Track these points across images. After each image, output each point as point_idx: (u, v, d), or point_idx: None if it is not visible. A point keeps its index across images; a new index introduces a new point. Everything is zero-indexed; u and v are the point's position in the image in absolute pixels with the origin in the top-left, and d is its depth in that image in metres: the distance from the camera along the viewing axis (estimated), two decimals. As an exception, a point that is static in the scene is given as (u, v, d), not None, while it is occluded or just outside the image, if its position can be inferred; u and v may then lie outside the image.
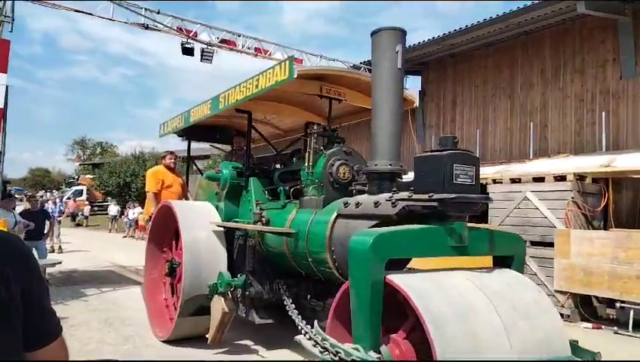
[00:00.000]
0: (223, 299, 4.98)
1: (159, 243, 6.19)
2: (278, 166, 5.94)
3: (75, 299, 8.10)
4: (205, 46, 16.68)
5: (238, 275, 5.20)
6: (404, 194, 3.71)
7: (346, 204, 4.13)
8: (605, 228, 8.25)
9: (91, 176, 41.08)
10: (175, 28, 15.62)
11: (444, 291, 3.02)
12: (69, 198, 32.83)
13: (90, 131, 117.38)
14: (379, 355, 2.90)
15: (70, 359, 1.41)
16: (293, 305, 4.64)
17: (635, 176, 8.44)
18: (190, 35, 16.25)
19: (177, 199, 6.81)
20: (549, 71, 11.88)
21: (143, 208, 26.82)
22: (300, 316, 4.43)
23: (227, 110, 5.52)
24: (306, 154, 4.64)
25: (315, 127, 4.66)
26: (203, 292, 5.12)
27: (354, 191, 4.55)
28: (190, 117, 6.18)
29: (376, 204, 3.80)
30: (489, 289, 3.12)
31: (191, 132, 6.95)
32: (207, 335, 5.18)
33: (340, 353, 2.96)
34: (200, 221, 5.42)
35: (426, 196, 3.41)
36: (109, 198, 36.62)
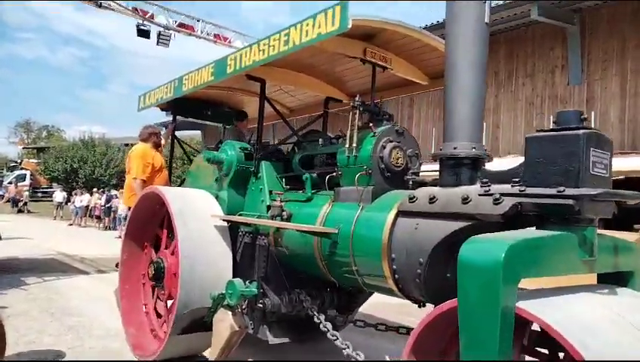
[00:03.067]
0: (230, 313, 3.93)
1: (139, 238, 5.05)
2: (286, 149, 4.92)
3: (14, 288, 7.75)
4: (162, 29, 15.89)
5: (246, 283, 4.15)
6: (503, 188, 2.79)
7: (412, 198, 3.16)
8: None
9: (36, 161, 38.53)
10: (130, 8, 14.73)
11: (597, 329, 2.14)
12: (10, 183, 30.45)
13: (36, 114, 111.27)
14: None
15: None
16: (329, 325, 3.64)
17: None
18: (146, 16, 15.50)
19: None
20: (502, 74, 12.52)
21: (90, 195, 25.09)
22: (340, 340, 3.45)
23: (234, 77, 4.43)
24: (348, 134, 3.64)
25: (358, 98, 3.66)
26: (204, 305, 4.05)
27: (410, 181, 3.60)
28: (182, 86, 5.04)
29: (466, 199, 2.86)
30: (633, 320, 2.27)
31: (177, 106, 5.79)
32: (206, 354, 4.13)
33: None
34: (199, 214, 4.32)
35: (552, 191, 2.50)
36: (54, 184, 34.48)
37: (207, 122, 6.38)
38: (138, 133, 6.21)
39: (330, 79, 4.94)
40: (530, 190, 2.63)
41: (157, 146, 6.06)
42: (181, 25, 16.79)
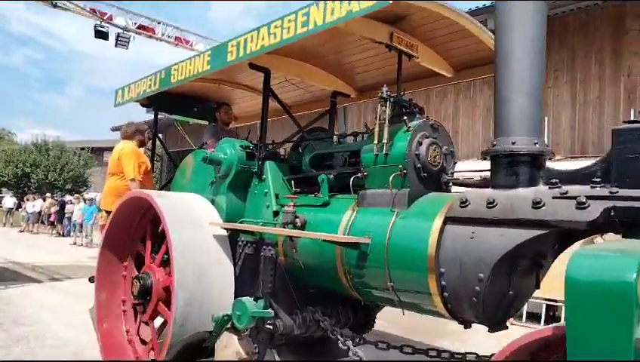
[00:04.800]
0: (236, 337, 3.37)
1: (119, 249, 4.41)
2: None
3: (-41, 298, 7.37)
4: (121, 31, 15.28)
5: (252, 300, 3.61)
6: (580, 190, 2.38)
7: (464, 202, 2.71)
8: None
9: (-17, 166, 36.28)
10: (88, 9, 14.09)
11: None
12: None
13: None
14: None
15: None
16: (359, 352, 3.13)
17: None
18: (105, 17, 14.89)
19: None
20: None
21: (44, 201, 23.64)
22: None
23: (233, 67, 3.90)
24: (376, 129, 3.16)
25: (386, 89, 3.19)
26: (204, 327, 3.48)
27: (449, 182, 3.16)
28: (171, 77, 4.43)
29: (538, 203, 2.42)
30: None
31: (160, 101, 5.18)
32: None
33: None
34: (196, 221, 3.75)
35: (657, 193, 2.09)
36: (4, 189, 32.69)
37: (194, 120, 5.78)
38: (122, 131, 5.51)
39: (337, 71, 4.45)
40: (624, 192, 2.22)
41: (141, 145, 5.39)
42: (141, 27, 16.23)
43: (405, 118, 3.15)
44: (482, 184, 2.99)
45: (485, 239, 2.57)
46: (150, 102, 5.24)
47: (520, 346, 2.07)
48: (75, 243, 17.92)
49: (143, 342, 4.21)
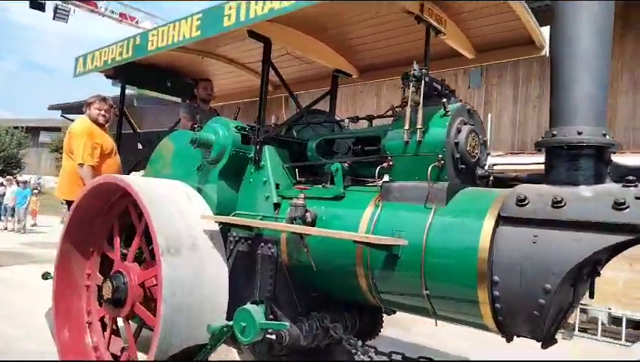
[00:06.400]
0: (236, 351, 2.89)
1: (84, 245, 3.78)
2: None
3: None
4: (60, 2, 14.23)
5: (248, 304, 3.13)
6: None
7: (522, 201, 2.33)
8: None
9: None
10: None
11: None
12: None
13: None
14: None
15: None
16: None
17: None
18: None
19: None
20: (411, 74, 13.13)
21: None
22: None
23: (225, 34, 3.37)
24: (407, 111, 2.74)
25: (416, 66, 2.77)
26: (194, 338, 2.96)
27: (489, 176, 2.80)
28: (148, 43, 3.81)
29: (621, 204, 2.08)
30: None
31: (129, 73, 4.51)
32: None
33: None
34: (185, 213, 3.20)
35: None
36: None
37: (166, 95, 5.13)
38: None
39: (341, 47, 3.98)
40: None
41: (97, 121, 4.55)
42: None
43: (445, 100, 2.73)
44: (530, 179, 2.65)
45: (554, 244, 2.21)
46: (117, 73, 4.57)
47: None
48: (6, 229, 16.55)
49: (115, 357, 3.63)
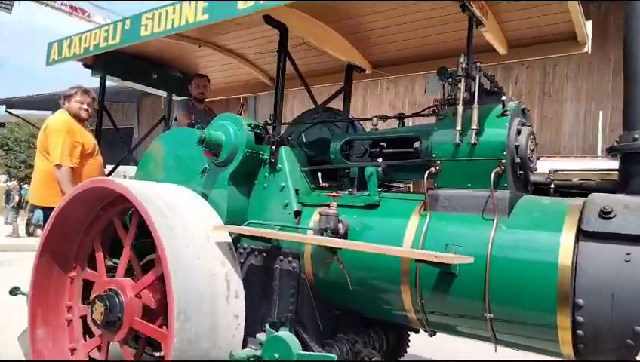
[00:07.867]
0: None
1: (64, 257, 3.27)
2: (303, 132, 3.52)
3: None
4: None
5: (267, 325, 2.74)
6: None
7: (607, 213, 2.06)
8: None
9: None
10: None
11: None
12: None
13: None
14: None
15: None
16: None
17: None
18: None
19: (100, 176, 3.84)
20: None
21: None
22: None
23: (239, 19, 2.96)
24: (459, 109, 2.42)
25: (464, 58, 2.46)
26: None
27: (552, 183, 2.53)
28: (141, 27, 3.33)
29: None
30: None
31: (110, 63, 4.00)
32: None
33: None
34: (193, 223, 2.77)
35: None
36: None
37: (150, 89, 4.60)
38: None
39: (356, 39, 3.62)
40: None
41: (79, 116, 3.98)
42: (26, -11, 14.17)
43: (504, 98, 2.43)
44: (601, 187, 2.39)
45: (654, 264, 1.94)
46: (97, 63, 4.04)
47: None
48: None
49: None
